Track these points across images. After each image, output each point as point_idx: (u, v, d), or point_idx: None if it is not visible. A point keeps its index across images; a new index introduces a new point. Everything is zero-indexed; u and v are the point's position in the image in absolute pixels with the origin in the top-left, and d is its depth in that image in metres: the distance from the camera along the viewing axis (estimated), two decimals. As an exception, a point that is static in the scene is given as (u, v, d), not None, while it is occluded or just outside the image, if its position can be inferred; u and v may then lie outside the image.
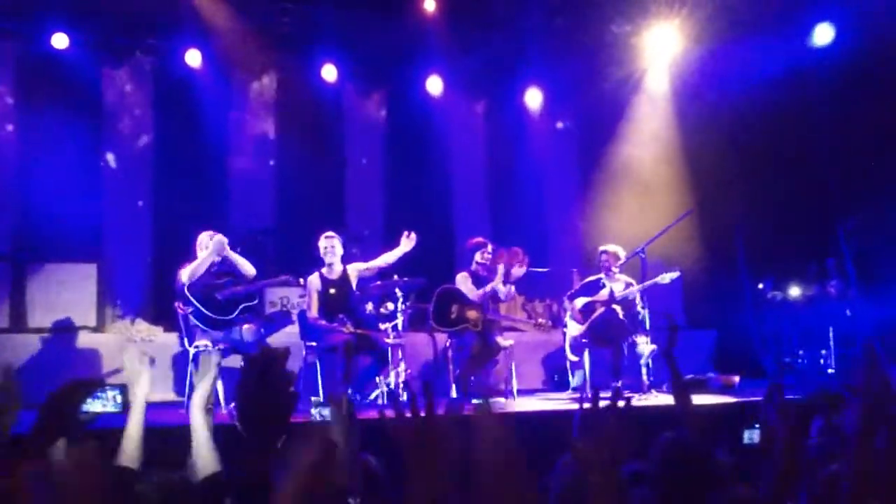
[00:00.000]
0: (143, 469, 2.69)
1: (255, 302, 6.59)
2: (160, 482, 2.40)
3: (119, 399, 2.39)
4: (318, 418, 2.54)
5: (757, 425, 3.41)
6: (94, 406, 2.33)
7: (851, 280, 9.15)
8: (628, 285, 7.52)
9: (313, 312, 6.72)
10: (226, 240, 6.38)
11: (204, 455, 2.81)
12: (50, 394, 2.05)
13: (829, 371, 8.65)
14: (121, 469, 2.68)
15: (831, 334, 8.72)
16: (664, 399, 6.70)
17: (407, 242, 6.89)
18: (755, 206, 9.38)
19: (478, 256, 7.30)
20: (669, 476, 2.43)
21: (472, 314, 7.10)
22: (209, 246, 6.29)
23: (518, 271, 7.25)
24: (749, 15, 8.48)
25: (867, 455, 2.15)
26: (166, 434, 3.85)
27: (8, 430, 2.15)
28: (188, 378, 6.38)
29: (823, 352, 8.88)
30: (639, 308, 7.51)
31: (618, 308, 7.36)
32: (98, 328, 7.74)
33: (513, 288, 7.35)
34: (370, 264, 6.96)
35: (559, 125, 10.66)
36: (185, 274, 6.23)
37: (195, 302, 6.20)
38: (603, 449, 1.83)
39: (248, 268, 6.53)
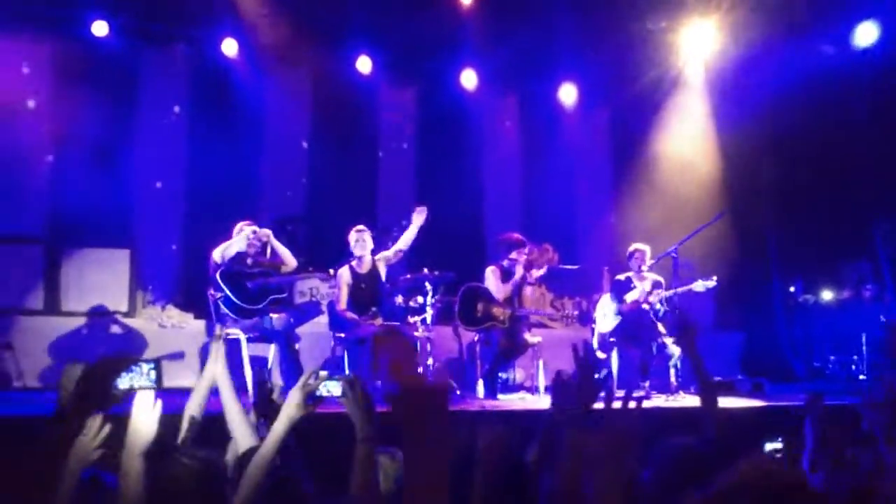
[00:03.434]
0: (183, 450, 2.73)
1: (285, 295, 6.64)
2: (190, 464, 2.43)
3: (153, 374, 2.41)
4: (324, 394, 2.53)
5: (780, 437, 3.38)
6: (129, 380, 2.35)
7: (887, 285, 9.02)
8: (656, 284, 7.46)
9: (342, 305, 6.75)
10: (269, 232, 6.52)
11: (240, 432, 2.86)
12: (85, 368, 2.08)
13: (861, 377, 8.53)
14: (153, 449, 2.72)
15: (864, 340, 8.59)
16: (692, 401, 6.64)
17: (418, 217, 6.88)
18: (789, 207, 9.29)
19: (514, 254, 7.25)
20: (671, 483, 2.37)
21: (498, 311, 7.09)
22: (246, 235, 6.38)
23: (537, 273, 7.21)
24: (789, 13, 8.36)
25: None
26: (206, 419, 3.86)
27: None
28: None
29: (855, 357, 8.76)
30: (658, 307, 7.43)
31: (646, 306, 7.32)
32: (129, 313, 7.82)
33: (541, 286, 7.31)
34: (394, 249, 6.99)
35: (579, 129, 10.52)
36: (217, 253, 6.31)
37: (225, 289, 6.26)
38: (612, 450, 1.81)
39: (290, 259, 6.63)
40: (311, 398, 2.53)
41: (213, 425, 3.08)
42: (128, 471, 2.32)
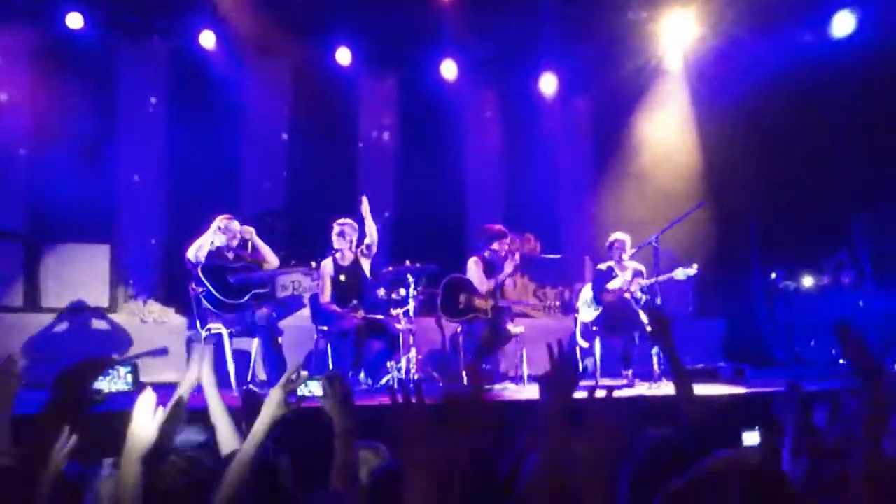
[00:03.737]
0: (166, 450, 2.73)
1: (267, 290, 6.62)
2: (177, 461, 2.43)
3: (130, 377, 2.40)
4: (305, 393, 2.53)
5: (757, 427, 3.38)
6: (105, 384, 2.34)
7: (866, 271, 9.11)
8: (637, 273, 7.50)
9: (326, 297, 6.75)
10: (252, 229, 6.51)
11: (224, 434, 2.86)
12: (61, 372, 2.07)
13: (840, 361, 8.61)
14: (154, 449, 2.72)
15: (835, 324, 8.67)
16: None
17: (363, 207, 6.81)
18: (769, 195, 9.35)
19: (496, 245, 7.26)
20: (648, 478, 2.37)
21: (480, 303, 7.11)
22: (216, 227, 6.37)
23: (508, 267, 7.20)
24: (767, 2, 8.39)
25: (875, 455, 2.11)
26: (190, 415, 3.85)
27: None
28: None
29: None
30: (639, 296, 7.47)
31: (627, 295, 7.36)
32: (111, 309, 7.78)
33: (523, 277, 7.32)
34: (364, 243, 6.93)
35: (559, 119, 10.54)
36: (192, 252, 6.29)
37: (207, 284, 6.24)
38: (595, 444, 1.81)
39: (271, 257, 6.63)
40: (292, 397, 2.53)
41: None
42: (126, 473, 2.32)
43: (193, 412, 3.02)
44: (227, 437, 2.87)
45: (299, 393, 2.53)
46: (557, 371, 2.10)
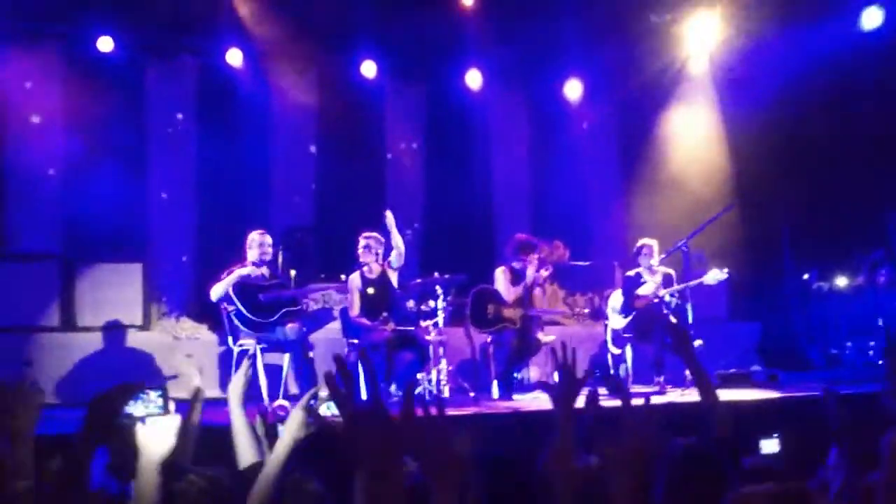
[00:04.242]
0: (192, 465, 2.77)
1: (299, 308, 6.60)
2: (196, 480, 2.46)
3: (160, 401, 2.43)
4: (326, 413, 2.55)
5: (776, 434, 3.33)
6: (137, 409, 2.37)
7: (902, 270, 8.97)
8: (667, 277, 7.44)
9: (355, 311, 6.78)
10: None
11: (243, 446, 2.89)
12: (93, 397, 2.11)
13: (879, 363, 8.48)
14: (168, 465, 2.75)
15: (881, 325, 8.55)
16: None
17: (388, 220, 6.77)
18: (801, 195, 9.23)
19: (524, 256, 7.20)
20: (680, 487, 2.36)
21: (509, 312, 7.10)
22: (251, 246, 6.44)
23: (544, 273, 7.19)
24: (793, 0, 8.32)
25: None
26: (215, 432, 3.89)
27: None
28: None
29: (872, 343, 8.71)
30: (669, 300, 7.40)
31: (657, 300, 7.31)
32: (144, 327, 7.86)
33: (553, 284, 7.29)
34: (392, 255, 6.90)
35: (585, 125, 10.52)
36: (214, 293, 6.37)
37: (237, 303, 6.29)
38: (629, 451, 1.81)
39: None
40: (312, 417, 2.55)
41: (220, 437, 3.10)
42: (144, 484, 2.35)
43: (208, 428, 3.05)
44: (245, 449, 2.89)
45: (320, 412, 2.55)
46: (565, 376, 2.13)
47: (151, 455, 2.38)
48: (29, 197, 8.21)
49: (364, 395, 1.46)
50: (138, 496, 2.36)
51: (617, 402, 1.98)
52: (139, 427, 2.38)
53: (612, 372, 7.59)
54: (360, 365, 6.34)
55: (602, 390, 2.08)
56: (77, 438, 2.00)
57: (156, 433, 2.40)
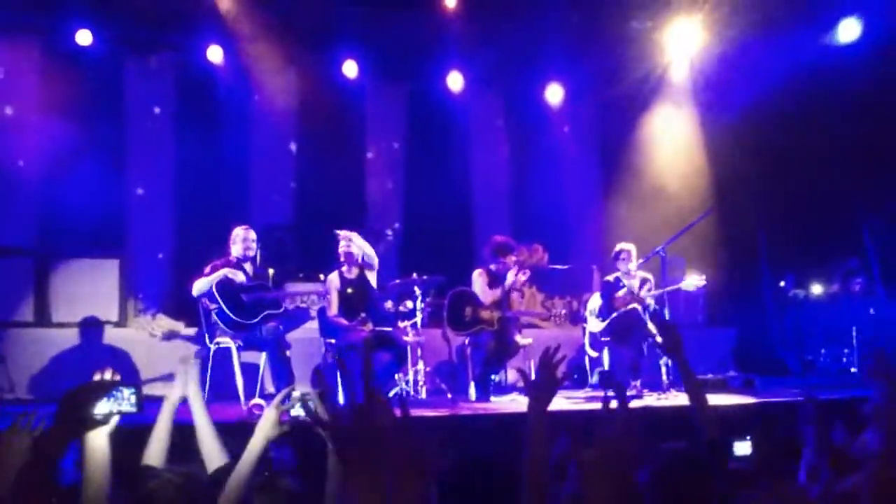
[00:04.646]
0: (166, 465, 2.74)
1: (280, 311, 6.50)
2: (171, 478, 2.44)
3: (134, 399, 2.39)
4: (299, 414, 2.54)
5: (748, 437, 3.35)
6: (109, 405, 2.34)
7: (876, 278, 9.07)
8: (644, 282, 7.47)
9: (333, 311, 6.74)
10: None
11: (209, 450, 2.85)
12: (65, 393, 2.08)
13: (852, 370, 8.57)
14: (143, 468, 2.72)
15: (854, 333, 8.64)
16: (683, 399, 6.64)
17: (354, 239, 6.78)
18: (777, 203, 9.31)
19: (502, 258, 7.19)
20: (668, 492, 2.38)
21: (486, 315, 7.09)
22: (235, 242, 6.40)
23: (522, 277, 7.20)
24: (773, 9, 8.38)
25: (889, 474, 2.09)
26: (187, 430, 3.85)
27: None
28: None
29: (846, 350, 8.80)
30: (648, 302, 7.44)
31: (637, 306, 7.32)
32: (120, 323, 7.80)
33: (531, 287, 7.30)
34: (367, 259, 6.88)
35: (565, 129, 10.56)
36: (195, 289, 6.31)
37: (221, 302, 6.22)
38: (611, 456, 1.80)
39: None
40: (285, 417, 2.54)
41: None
42: (92, 472, 2.33)
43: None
44: (212, 453, 2.85)
45: (292, 413, 2.54)
46: (543, 372, 2.15)
47: (95, 439, 2.36)
48: (3, 191, 8.11)
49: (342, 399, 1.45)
50: (87, 485, 2.34)
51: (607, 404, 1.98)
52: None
53: (605, 369, 7.64)
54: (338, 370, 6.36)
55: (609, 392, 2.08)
56: (48, 434, 1.98)
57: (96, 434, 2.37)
